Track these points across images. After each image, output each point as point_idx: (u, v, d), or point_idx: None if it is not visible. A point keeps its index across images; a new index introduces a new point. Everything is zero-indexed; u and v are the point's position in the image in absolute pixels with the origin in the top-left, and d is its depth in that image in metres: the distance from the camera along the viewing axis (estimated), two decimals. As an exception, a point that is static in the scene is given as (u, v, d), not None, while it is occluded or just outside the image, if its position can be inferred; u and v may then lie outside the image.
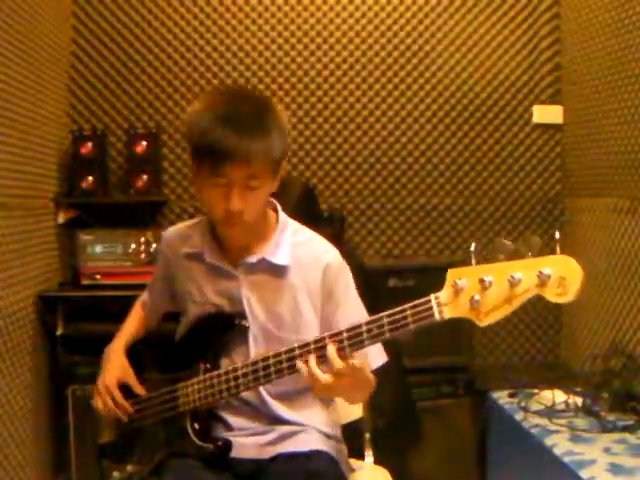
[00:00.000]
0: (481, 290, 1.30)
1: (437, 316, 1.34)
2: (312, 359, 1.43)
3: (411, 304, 1.37)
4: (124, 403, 1.72)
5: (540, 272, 1.25)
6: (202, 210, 3.29)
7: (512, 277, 1.27)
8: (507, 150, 3.44)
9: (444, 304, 1.34)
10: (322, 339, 1.44)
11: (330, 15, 3.36)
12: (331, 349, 1.41)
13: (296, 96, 3.38)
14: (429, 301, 1.35)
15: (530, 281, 1.26)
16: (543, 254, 1.26)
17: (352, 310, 1.65)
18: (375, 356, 1.64)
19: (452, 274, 1.33)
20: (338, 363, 1.40)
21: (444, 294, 1.34)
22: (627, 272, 2.76)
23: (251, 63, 3.35)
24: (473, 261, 1.32)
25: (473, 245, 1.34)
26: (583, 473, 2.01)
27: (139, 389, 1.74)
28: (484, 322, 1.31)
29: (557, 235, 1.28)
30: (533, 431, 2.38)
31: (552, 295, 1.25)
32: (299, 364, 1.44)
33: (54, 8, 3.07)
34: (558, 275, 1.24)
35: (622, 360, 2.61)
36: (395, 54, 3.39)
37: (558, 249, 1.26)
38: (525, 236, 1.30)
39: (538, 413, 2.50)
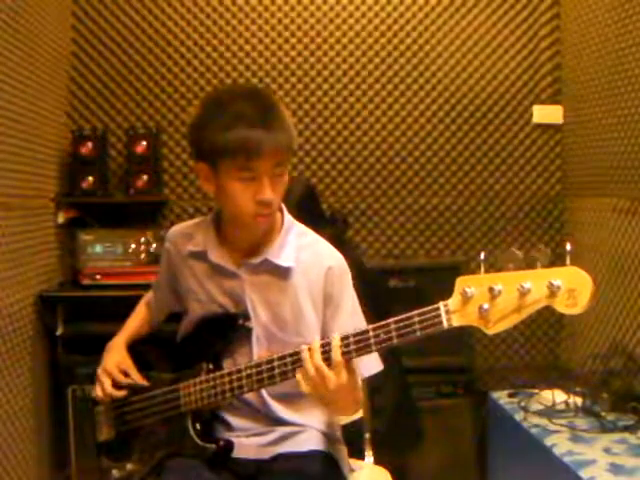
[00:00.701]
0: (490, 299, 1.30)
1: (445, 324, 1.34)
2: (317, 350, 1.43)
3: (419, 311, 1.37)
4: (128, 381, 1.72)
5: (550, 283, 1.25)
6: (202, 210, 3.32)
7: (522, 287, 1.27)
8: (507, 150, 3.44)
9: (452, 312, 1.34)
10: (328, 343, 1.44)
11: (330, 15, 3.37)
12: (336, 343, 1.42)
13: (296, 96, 3.38)
14: (438, 308, 1.35)
15: (540, 292, 1.26)
16: (552, 264, 1.26)
17: (348, 317, 1.64)
18: (370, 364, 1.64)
19: (461, 282, 1.33)
20: (337, 355, 1.41)
21: (453, 302, 1.34)
22: (627, 272, 2.76)
23: (251, 63, 3.35)
24: (482, 269, 1.32)
25: (483, 254, 1.34)
26: (583, 473, 2.02)
27: (139, 378, 1.74)
28: (492, 331, 1.31)
29: (568, 247, 1.28)
30: (533, 431, 2.39)
31: (562, 306, 1.25)
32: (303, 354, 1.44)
33: (54, 8, 3.07)
34: (568, 286, 1.24)
35: (622, 360, 2.61)
36: (395, 54, 3.39)
37: (568, 260, 1.26)
38: (534, 246, 1.31)
39: (538, 413, 2.50)
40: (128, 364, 1.76)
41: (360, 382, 1.62)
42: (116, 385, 1.73)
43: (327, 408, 1.66)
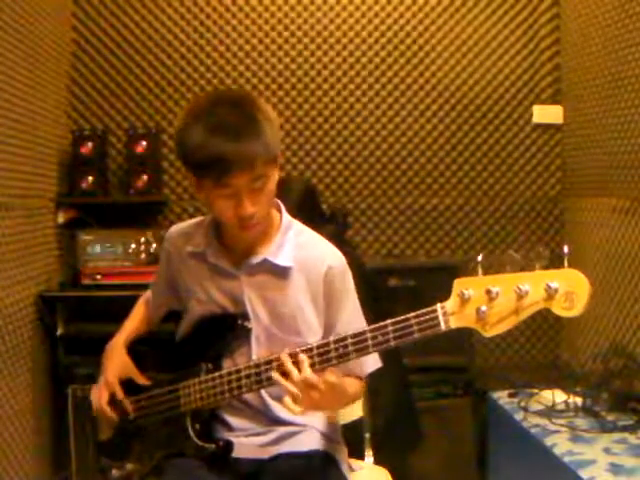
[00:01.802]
0: (488, 301, 1.29)
1: (443, 326, 1.34)
2: (305, 363, 1.43)
3: (416, 313, 1.36)
4: (125, 402, 1.72)
5: (548, 285, 1.25)
6: (202, 210, 3.32)
7: (519, 289, 1.26)
8: (507, 150, 3.44)
9: (450, 314, 1.33)
10: (327, 344, 1.44)
11: (330, 15, 3.37)
12: (300, 355, 1.43)
13: (296, 96, 3.38)
14: (435, 310, 1.35)
15: (537, 294, 1.26)
16: (551, 266, 1.26)
17: (352, 315, 1.65)
18: (369, 362, 1.65)
19: (459, 284, 1.33)
20: (306, 371, 1.41)
21: (450, 304, 1.33)
22: (627, 272, 2.76)
23: (251, 63, 3.36)
24: (480, 271, 1.31)
25: (480, 255, 1.33)
26: (583, 473, 2.02)
27: (142, 380, 1.73)
28: (489, 333, 1.31)
29: (566, 249, 1.28)
30: (533, 431, 2.39)
31: (559, 309, 1.25)
32: (275, 375, 1.45)
33: (54, 8, 3.07)
34: (565, 289, 1.24)
35: (622, 360, 2.61)
36: (395, 54, 3.39)
37: (566, 262, 1.26)
38: (533, 247, 1.31)
39: (538, 413, 2.50)
40: (130, 369, 1.75)
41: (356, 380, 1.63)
42: (113, 401, 1.73)
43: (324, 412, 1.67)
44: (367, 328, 1.42)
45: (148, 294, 1.90)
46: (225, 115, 1.49)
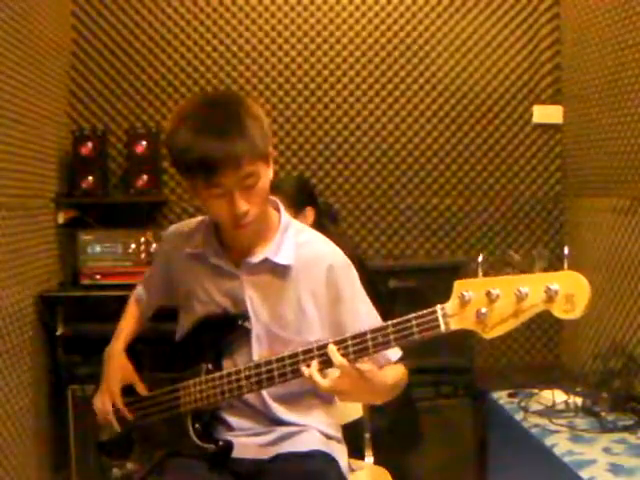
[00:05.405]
0: (488, 303, 1.29)
1: (443, 327, 1.34)
2: (314, 364, 1.44)
3: (416, 314, 1.37)
4: (125, 411, 1.72)
5: (548, 288, 1.24)
6: (202, 210, 3.31)
7: (519, 291, 1.26)
8: (507, 150, 3.44)
9: (450, 315, 1.33)
10: (326, 345, 1.44)
11: (330, 15, 3.37)
12: (332, 348, 1.42)
13: (296, 96, 3.38)
14: (435, 312, 1.35)
15: (537, 296, 1.26)
16: (551, 267, 1.26)
17: (361, 310, 1.64)
18: (394, 350, 1.63)
19: (459, 285, 1.33)
20: (337, 359, 1.41)
21: (450, 305, 1.34)
22: (627, 272, 2.76)
23: (251, 63, 3.36)
24: (480, 273, 1.31)
25: (481, 257, 1.33)
26: (583, 473, 2.02)
27: (142, 389, 1.73)
28: (489, 335, 1.31)
29: (566, 251, 1.27)
30: (533, 431, 2.39)
31: (559, 311, 1.25)
32: (303, 368, 1.45)
33: (54, 8, 3.07)
34: (566, 291, 1.24)
35: (622, 360, 2.61)
36: (395, 54, 3.39)
37: (566, 264, 1.26)
38: (533, 248, 1.30)
39: (538, 413, 2.50)
40: (131, 376, 1.75)
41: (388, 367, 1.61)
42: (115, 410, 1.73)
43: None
44: (367, 329, 1.42)
45: (139, 292, 1.88)
46: (210, 116, 1.50)
